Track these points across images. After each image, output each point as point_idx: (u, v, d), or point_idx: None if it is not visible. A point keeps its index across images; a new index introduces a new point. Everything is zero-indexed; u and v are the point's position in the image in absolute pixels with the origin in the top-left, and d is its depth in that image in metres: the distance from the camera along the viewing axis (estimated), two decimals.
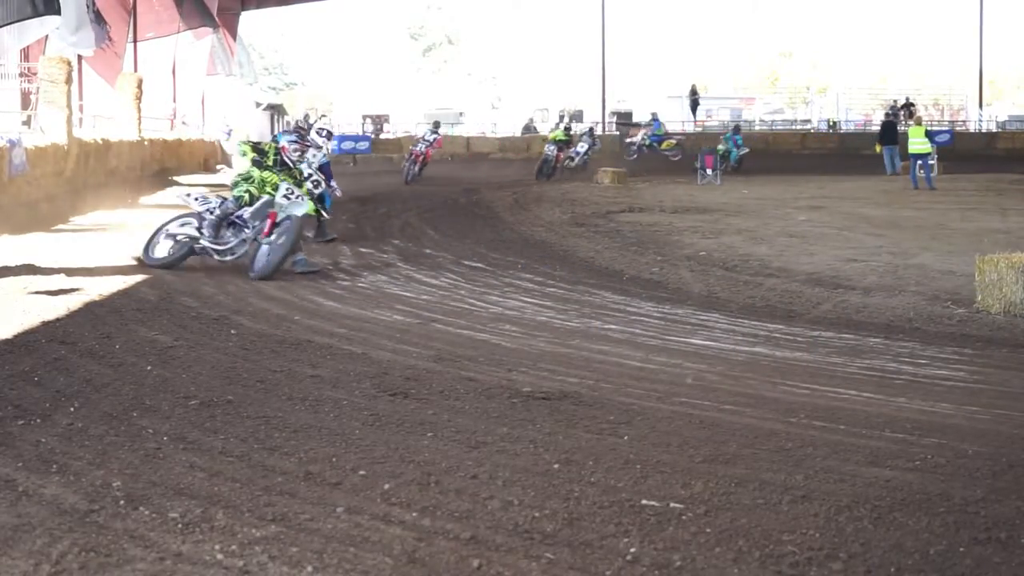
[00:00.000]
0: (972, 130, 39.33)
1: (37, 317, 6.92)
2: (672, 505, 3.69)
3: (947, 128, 38.12)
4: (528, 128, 38.03)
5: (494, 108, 49.03)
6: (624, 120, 37.41)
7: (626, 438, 4.60)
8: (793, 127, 41.56)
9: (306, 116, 35.03)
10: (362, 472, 4.04)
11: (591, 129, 30.21)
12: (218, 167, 26.58)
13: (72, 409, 4.87)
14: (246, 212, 10.21)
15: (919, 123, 25.74)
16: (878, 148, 26.90)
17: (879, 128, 29.18)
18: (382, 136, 36.65)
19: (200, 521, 3.47)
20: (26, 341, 6.27)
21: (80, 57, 19.74)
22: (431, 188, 21.38)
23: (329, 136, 14.14)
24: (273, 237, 10.00)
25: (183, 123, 27.30)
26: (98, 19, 19.24)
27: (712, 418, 4.98)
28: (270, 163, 10.61)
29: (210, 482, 3.88)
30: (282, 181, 10.40)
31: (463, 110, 43.74)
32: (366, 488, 3.87)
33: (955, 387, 6.22)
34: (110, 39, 20.95)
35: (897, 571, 3.19)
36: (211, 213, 10.18)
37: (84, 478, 3.89)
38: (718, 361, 6.79)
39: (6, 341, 6.24)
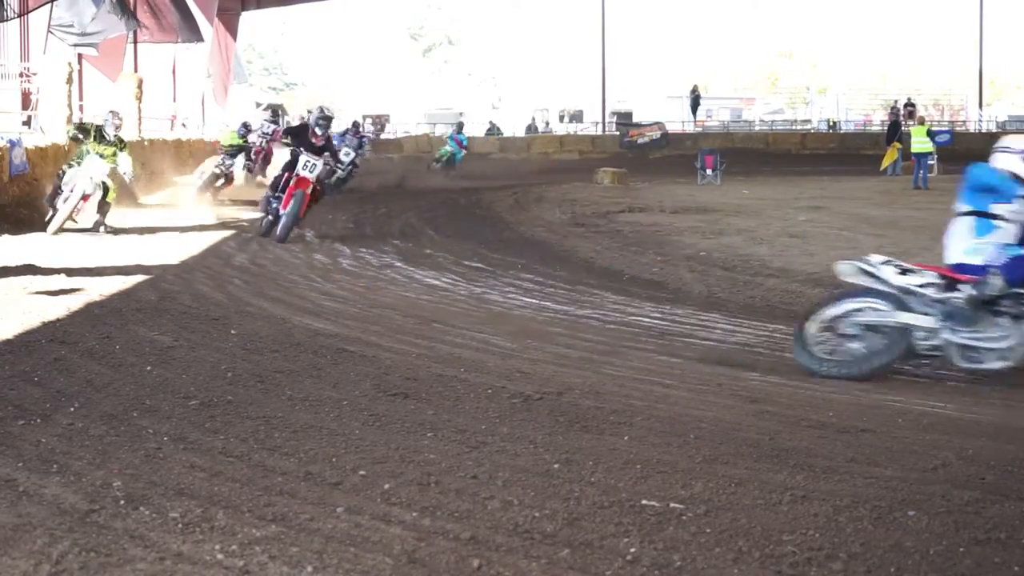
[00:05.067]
0: (972, 130, 39.34)
1: (37, 317, 6.92)
2: (672, 505, 3.69)
3: (947, 128, 38.12)
4: (492, 130, 37.94)
5: (494, 108, 49.02)
6: (624, 120, 37.40)
7: (626, 438, 4.60)
8: (793, 127, 41.56)
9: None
10: (362, 472, 4.04)
11: (355, 127, 23.51)
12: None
13: (72, 409, 4.86)
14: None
15: (921, 123, 25.82)
16: (893, 154, 26.63)
17: (887, 130, 29.15)
18: (382, 136, 36.63)
19: (200, 521, 3.47)
20: (26, 341, 6.26)
21: (80, 57, 19.76)
22: (431, 188, 21.38)
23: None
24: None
25: (183, 125, 27.32)
26: (122, 8, 19.31)
27: (712, 418, 4.98)
28: None
29: (210, 482, 3.88)
30: None
31: (463, 110, 43.72)
32: (366, 488, 3.86)
33: (956, 387, 6.22)
34: (144, 25, 21.19)
35: (897, 571, 3.19)
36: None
37: (84, 478, 3.89)
38: (718, 360, 6.79)
39: (6, 341, 6.24)
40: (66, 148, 15.33)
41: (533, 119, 40.40)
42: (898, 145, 26.71)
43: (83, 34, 17.96)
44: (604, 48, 39.10)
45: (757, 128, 41.32)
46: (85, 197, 12.43)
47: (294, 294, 9.01)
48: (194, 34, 25.89)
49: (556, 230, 15.06)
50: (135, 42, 23.97)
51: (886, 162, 26.75)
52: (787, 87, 53.71)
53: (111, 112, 13.33)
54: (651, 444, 4.51)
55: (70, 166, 12.64)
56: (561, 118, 41.14)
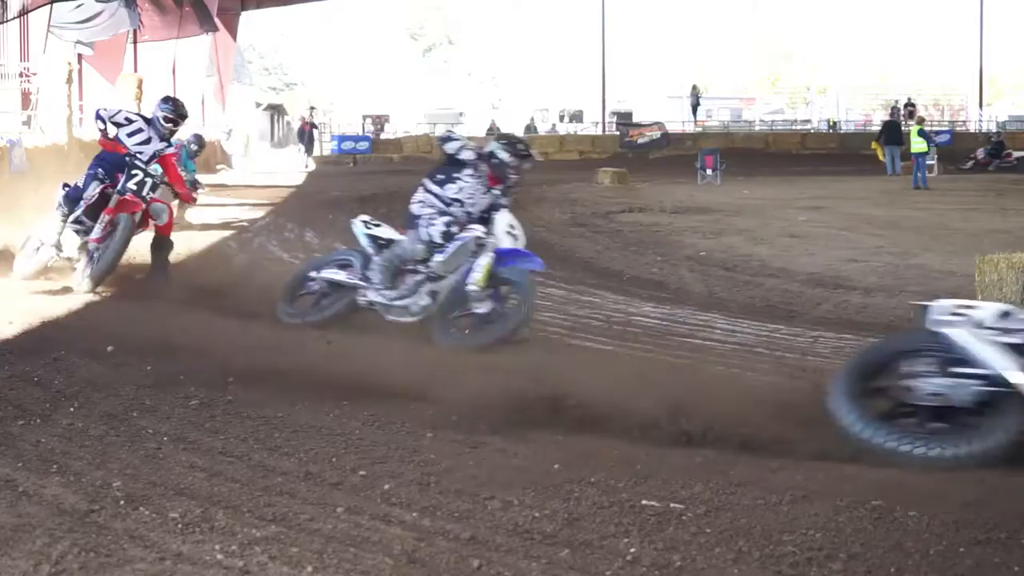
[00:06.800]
0: (972, 130, 39.32)
1: (37, 317, 6.92)
2: (672, 505, 3.69)
3: (947, 128, 38.12)
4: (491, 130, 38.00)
5: (494, 108, 49.01)
6: (624, 120, 37.40)
7: (626, 438, 4.59)
8: (793, 127, 41.56)
9: (311, 110, 35.22)
10: (362, 472, 4.04)
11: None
12: (218, 167, 26.57)
13: (72, 409, 4.86)
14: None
15: (920, 123, 25.88)
16: (876, 148, 26.96)
17: (880, 128, 29.33)
18: (382, 136, 36.65)
19: (200, 521, 3.47)
20: (26, 341, 6.26)
21: (80, 57, 19.79)
22: None
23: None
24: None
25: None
26: (127, 3, 19.42)
27: (712, 418, 4.96)
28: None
29: (210, 482, 3.87)
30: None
31: (463, 110, 43.72)
32: (366, 488, 3.86)
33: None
34: (141, 23, 21.20)
35: (897, 571, 3.18)
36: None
37: (84, 478, 3.89)
38: (719, 361, 6.79)
39: (6, 341, 6.24)
40: (65, 148, 15.28)
41: (532, 119, 40.41)
42: (875, 144, 27.06)
43: (84, 31, 18.00)
44: (604, 48, 39.08)
45: (757, 128, 41.31)
46: None
47: None
48: (209, 24, 25.93)
49: (556, 230, 15.05)
50: (135, 42, 23.98)
51: (881, 157, 27.00)
52: (787, 87, 53.71)
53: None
54: (651, 444, 4.50)
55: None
56: (561, 118, 41.13)
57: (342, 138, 34.64)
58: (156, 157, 8.56)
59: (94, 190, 8.38)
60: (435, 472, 4.04)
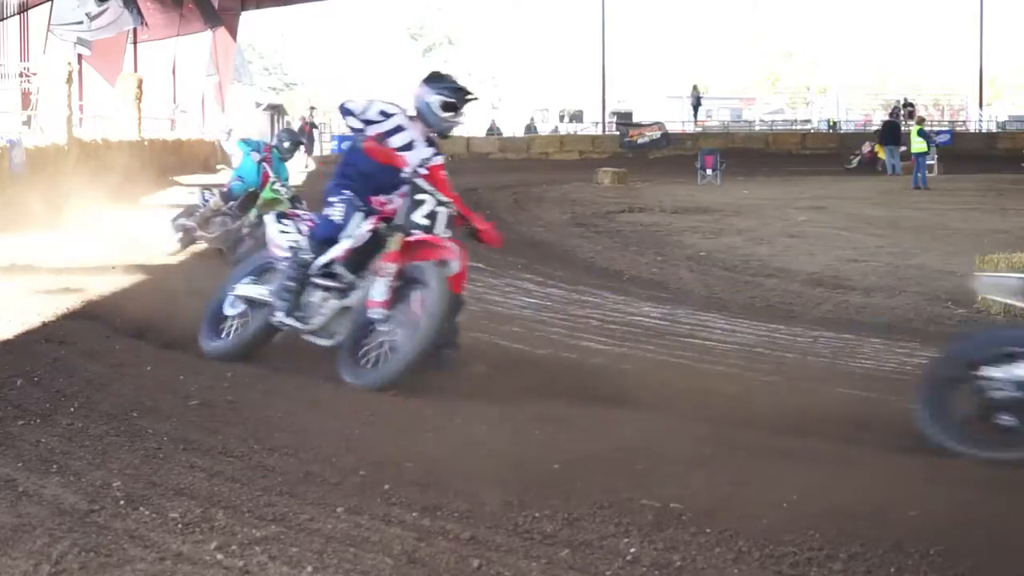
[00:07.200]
0: (972, 130, 39.33)
1: (37, 317, 6.91)
2: (672, 505, 3.69)
3: (947, 128, 38.12)
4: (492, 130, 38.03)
5: (494, 108, 49.02)
6: (624, 120, 37.42)
7: (627, 438, 4.59)
8: (793, 127, 41.58)
9: (312, 110, 35.24)
10: (362, 472, 4.04)
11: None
12: (218, 167, 26.55)
13: (72, 409, 4.86)
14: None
15: (920, 123, 25.94)
16: (877, 148, 27.08)
17: (879, 128, 29.45)
18: None
19: (200, 521, 3.47)
20: (26, 341, 6.26)
21: (80, 57, 19.80)
22: None
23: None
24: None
25: (182, 111, 27.24)
26: (127, 3, 19.47)
27: (712, 419, 4.97)
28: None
29: (210, 482, 3.87)
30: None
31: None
32: (366, 488, 3.86)
33: None
34: (144, 22, 21.25)
35: (897, 571, 3.19)
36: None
37: (84, 478, 3.89)
38: (718, 361, 6.79)
39: (6, 341, 6.23)
40: (65, 148, 15.27)
41: (532, 119, 40.43)
42: (879, 147, 27.16)
43: (86, 31, 18.03)
44: (604, 48, 39.11)
45: (757, 128, 41.36)
46: None
47: None
48: (213, 19, 25.97)
49: (556, 230, 15.06)
50: (135, 42, 23.99)
51: (881, 156, 27.09)
52: (787, 87, 53.72)
53: None
54: (652, 444, 4.50)
55: None
56: (561, 118, 41.16)
57: (342, 138, 34.52)
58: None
59: (362, 226, 5.58)
60: (435, 472, 4.03)
